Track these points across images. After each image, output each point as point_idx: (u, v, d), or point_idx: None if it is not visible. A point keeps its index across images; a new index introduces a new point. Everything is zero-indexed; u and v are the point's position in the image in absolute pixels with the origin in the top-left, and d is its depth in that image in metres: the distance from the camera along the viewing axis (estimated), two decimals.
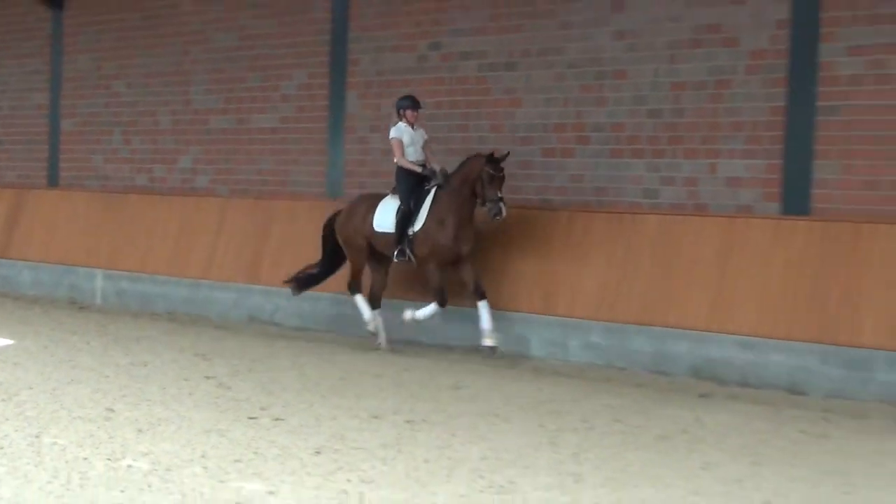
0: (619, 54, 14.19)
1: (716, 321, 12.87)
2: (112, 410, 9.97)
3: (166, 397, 10.71)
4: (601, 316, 13.60)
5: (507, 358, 13.88)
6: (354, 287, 14.83)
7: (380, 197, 14.71)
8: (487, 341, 13.59)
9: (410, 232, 14.02)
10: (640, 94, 14.00)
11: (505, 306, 14.28)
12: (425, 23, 16.05)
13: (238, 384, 11.62)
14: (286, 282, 15.54)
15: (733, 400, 11.76)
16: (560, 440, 9.40)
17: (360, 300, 14.76)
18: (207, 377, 11.97)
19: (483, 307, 13.61)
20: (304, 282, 15.39)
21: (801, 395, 12.04)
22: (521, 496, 7.57)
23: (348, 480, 7.83)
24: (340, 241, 15.03)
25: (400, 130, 14.35)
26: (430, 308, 13.81)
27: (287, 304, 16.66)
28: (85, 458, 8.21)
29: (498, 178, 13.47)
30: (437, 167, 14.22)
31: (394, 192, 14.46)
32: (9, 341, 14.18)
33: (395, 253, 14.14)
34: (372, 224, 14.48)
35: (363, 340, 15.06)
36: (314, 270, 15.36)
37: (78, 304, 19.24)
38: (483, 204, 13.57)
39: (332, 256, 15.25)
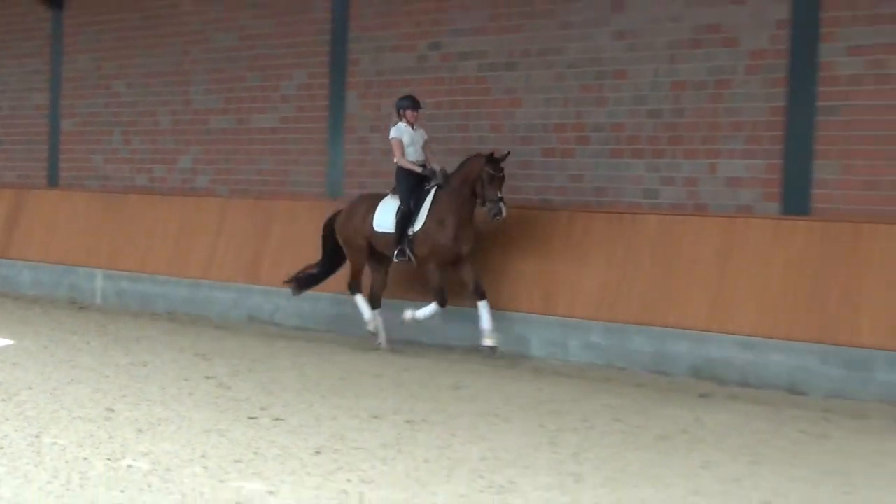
0: (619, 54, 14.20)
1: (716, 321, 12.87)
2: (112, 410, 9.97)
3: (166, 397, 10.72)
4: (601, 316, 13.60)
5: (507, 358, 13.89)
6: (354, 287, 14.82)
7: (380, 197, 14.69)
8: (487, 341, 13.57)
9: (410, 232, 13.99)
10: (640, 94, 14.01)
11: (505, 306, 14.28)
12: (425, 23, 16.06)
13: (238, 384, 11.62)
14: (286, 282, 15.52)
15: (733, 400, 11.76)
16: (560, 440, 9.40)
17: (361, 300, 14.74)
18: (207, 377, 11.97)
19: (483, 307, 13.60)
20: (304, 282, 15.37)
21: (801, 395, 12.04)
22: (521, 496, 7.57)
23: (348, 480, 7.83)
24: (340, 241, 15.01)
25: (400, 130, 14.32)
26: (430, 308, 13.79)
27: (287, 304, 16.66)
28: (85, 458, 8.22)
29: (498, 178, 13.45)
30: (436, 167, 14.20)
31: (394, 192, 14.43)
32: (9, 341, 14.18)
33: (395, 253, 14.11)
34: (372, 224, 14.45)
35: (363, 340, 15.06)
36: (314, 270, 15.34)
37: (78, 304, 19.24)
38: (483, 204, 13.55)
39: (332, 256, 15.23)
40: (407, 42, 16.24)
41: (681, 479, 8.23)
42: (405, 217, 14.05)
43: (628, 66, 14.12)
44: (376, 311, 14.71)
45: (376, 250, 14.64)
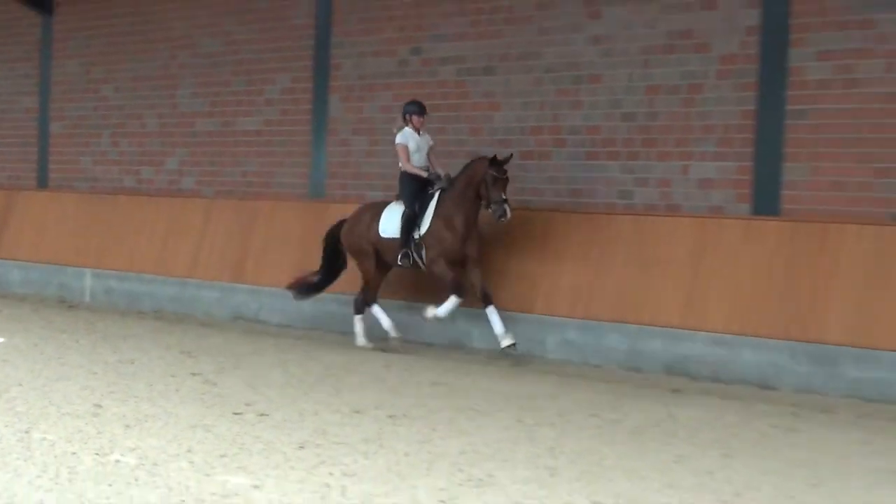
0: (594, 59, 14.22)
1: (688, 319, 12.90)
2: (100, 406, 9.94)
3: (153, 394, 10.69)
4: (577, 314, 13.61)
5: (486, 355, 13.90)
6: (370, 298, 14.48)
7: (384, 204, 14.45)
8: (505, 342, 13.32)
9: (416, 236, 13.78)
10: (615, 97, 14.03)
11: (479, 305, 14.29)
12: (406, 28, 16.06)
13: (223, 381, 11.59)
14: (289, 287, 15.29)
15: (705, 395, 11.78)
16: (537, 434, 9.40)
17: (379, 310, 14.39)
18: (193, 374, 11.94)
19: (492, 312, 13.40)
20: (305, 290, 15.15)
21: (770, 391, 12.09)
22: (499, 489, 7.57)
23: (331, 474, 7.82)
24: (347, 251, 14.75)
25: (406, 136, 14.10)
26: (451, 302, 13.39)
27: (271, 302, 16.66)
28: (73, 453, 8.19)
29: (502, 180, 13.28)
30: (441, 171, 14.01)
31: (397, 198, 14.21)
32: None
33: (399, 256, 13.88)
34: (378, 231, 14.19)
35: (345, 338, 15.05)
36: (314, 279, 15.09)
37: (67, 303, 19.18)
38: (488, 206, 13.39)
39: (332, 265, 14.98)
40: (388, 47, 16.25)
41: (655, 472, 8.24)
42: (409, 220, 13.84)
43: (603, 71, 14.14)
44: (360, 317, 14.57)
45: (381, 258, 14.40)
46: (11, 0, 20.90)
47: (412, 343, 14.45)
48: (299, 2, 17.32)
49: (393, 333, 14.26)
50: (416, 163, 14.05)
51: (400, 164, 14.11)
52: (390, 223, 14.07)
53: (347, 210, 16.19)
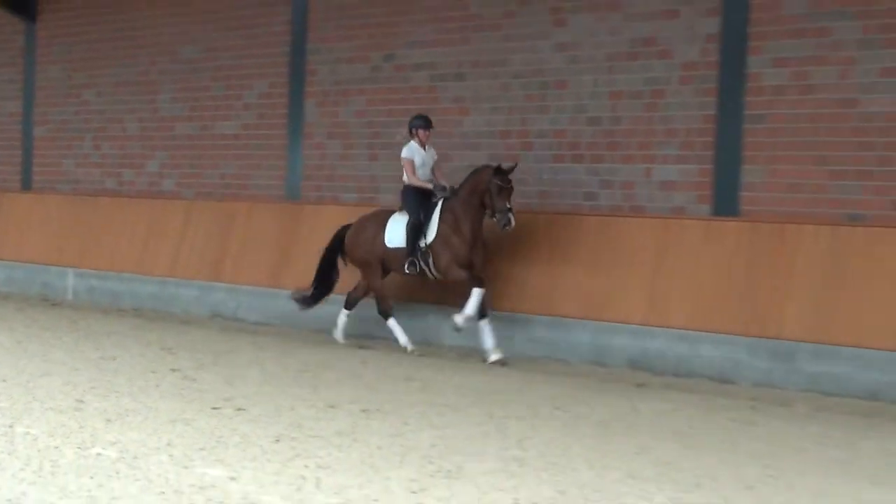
0: (560, 65, 14.24)
1: (651, 316, 12.94)
2: (82, 402, 9.89)
3: (134, 389, 10.64)
4: (544, 311, 13.63)
5: (457, 351, 13.91)
6: (384, 310, 14.19)
7: (386, 214, 14.15)
8: (494, 356, 13.11)
9: (422, 244, 13.53)
10: (581, 102, 14.06)
11: (455, 303, 14.30)
12: (379, 36, 16.05)
13: (202, 376, 11.56)
14: (293, 297, 14.99)
15: (667, 389, 11.82)
16: (506, 428, 9.41)
17: (394, 324, 14.08)
18: (173, 370, 11.90)
19: (485, 325, 13.21)
20: (304, 301, 14.82)
21: (730, 385, 12.13)
22: (468, 480, 7.57)
23: (306, 466, 7.81)
24: (351, 260, 14.45)
25: (412, 151, 13.84)
26: (475, 296, 12.96)
27: (249, 300, 16.64)
28: (56, 447, 8.15)
29: (506, 190, 13.02)
30: (445, 183, 13.73)
31: (401, 210, 13.93)
32: None
33: (406, 264, 13.61)
34: (384, 241, 13.92)
35: (321, 335, 15.04)
36: (309, 293, 14.74)
37: (50, 301, 19.11)
38: (492, 215, 13.13)
39: (326, 277, 14.68)
40: (362, 53, 16.24)
41: (618, 462, 8.25)
42: (415, 228, 13.55)
43: (569, 77, 14.16)
44: (347, 312, 14.49)
45: (386, 267, 14.17)
46: None
47: (384, 340, 14.46)
48: (276, 10, 17.29)
49: (410, 347, 13.88)
50: (420, 177, 13.81)
51: (404, 178, 13.87)
52: (396, 233, 13.79)
53: (322, 211, 16.24)
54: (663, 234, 13.16)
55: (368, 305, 14.46)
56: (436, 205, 13.60)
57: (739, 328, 12.31)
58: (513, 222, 12.96)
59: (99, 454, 7.99)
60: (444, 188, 13.63)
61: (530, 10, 14.52)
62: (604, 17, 13.89)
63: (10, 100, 21.42)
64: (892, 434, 9.82)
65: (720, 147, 12.98)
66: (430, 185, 13.73)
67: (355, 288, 14.55)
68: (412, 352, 13.83)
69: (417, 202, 13.69)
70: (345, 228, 14.59)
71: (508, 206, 12.99)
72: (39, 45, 20.93)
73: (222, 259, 17.27)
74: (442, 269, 13.45)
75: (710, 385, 12.13)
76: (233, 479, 7.42)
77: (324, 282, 14.70)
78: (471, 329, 13.47)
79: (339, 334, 14.49)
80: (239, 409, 9.80)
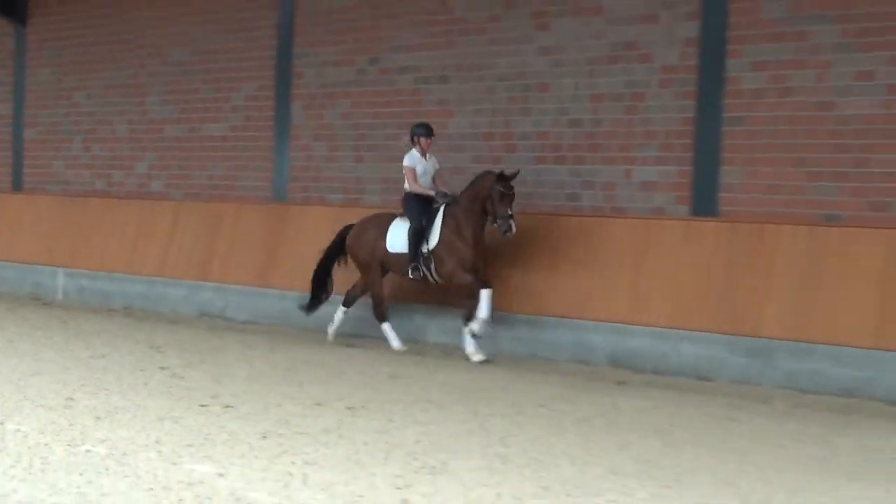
0: (543, 69, 14.24)
1: (632, 314, 12.95)
2: (72, 399, 9.87)
3: (123, 387, 10.62)
4: (527, 310, 13.62)
5: (442, 349, 13.91)
6: (380, 314, 14.06)
7: (388, 218, 13.98)
8: (476, 358, 13.05)
9: (425, 250, 13.37)
10: (563, 105, 14.06)
11: (436, 301, 14.32)
12: (365, 39, 16.03)
13: (190, 374, 11.53)
14: (300, 307, 14.77)
15: (648, 386, 11.83)
16: (490, 424, 9.40)
17: (388, 328, 13.99)
18: (162, 368, 11.88)
19: (468, 333, 13.21)
20: (309, 308, 14.61)
21: (709, 382, 12.15)
22: (452, 476, 7.57)
23: (293, 463, 7.80)
24: (351, 259, 14.27)
25: (414, 159, 13.67)
26: (485, 297, 12.80)
27: (237, 299, 16.61)
28: (46, 444, 8.13)
29: (508, 196, 12.88)
30: (446, 190, 13.60)
31: (402, 215, 13.76)
32: None
33: (409, 269, 13.45)
34: (385, 247, 13.75)
35: (308, 333, 15.02)
36: (306, 303, 14.56)
37: (41, 301, 19.05)
38: (493, 220, 12.99)
39: (325, 276, 14.49)
40: (348, 57, 16.22)
41: (600, 459, 8.26)
42: (418, 234, 13.40)
43: (552, 80, 14.17)
44: (344, 309, 14.36)
45: (386, 270, 14.05)
46: None
47: (371, 338, 14.43)
48: (264, 14, 17.26)
49: (402, 349, 13.83)
50: (422, 185, 13.66)
51: (406, 186, 13.70)
52: (398, 239, 13.62)
53: (308, 212, 16.24)
54: (644, 235, 13.17)
55: (364, 305, 14.41)
56: (437, 211, 13.44)
57: (718, 327, 12.33)
58: (514, 228, 12.82)
59: (88, 451, 7.97)
60: (445, 195, 13.50)
61: (514, 15, 14.52)
62: (586, 21, 13.89)
63: (1, 102, 21.34)
64: (868, 431, 9.84)
65: (699, 149, 13.00)
66: (431, 192, 13.59)
67: (354, 286, 14.43)
68: (398, 349, 13.82)
69: (419, 208, 13.52)
70: (347, 229, 14.44)
71: (510, 212, 12.84)
72: (30, 48, 20.87)
73: (210, 259, 17.23)
74: (446, 275, 13.30)
75: (689, 382, 12.14)
76: (220, 475, 7.41)
77: (322, 283, 14.53)
78: (459, 329, 13.48)
79: (332, 329, 14.41)
80: (227, 407, 9.78)
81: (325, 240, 15.27)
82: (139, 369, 11.74)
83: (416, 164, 13.69)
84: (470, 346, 13.15)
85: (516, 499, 7.06)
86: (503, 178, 12.95)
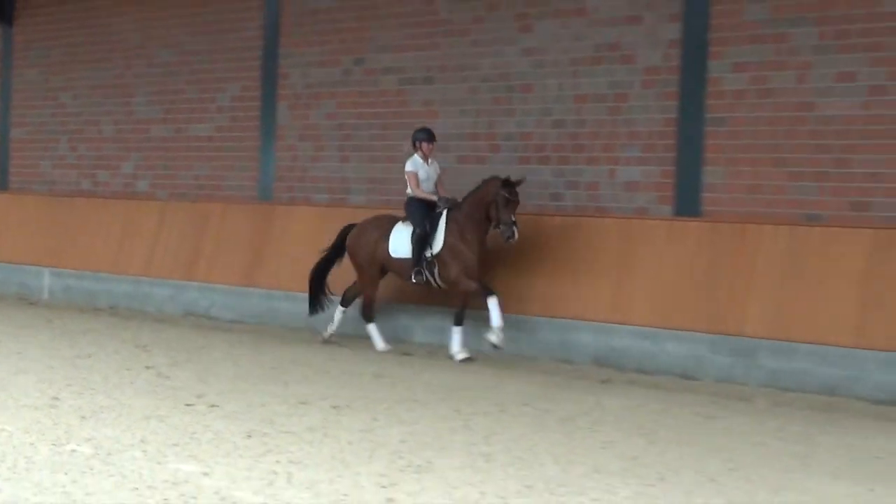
0: (527, 70, 14.22)
1: (616, 313, 12.93)
2: (57, 399, 9.80)
3: (108, 386, 10.56)
4: (512, 309, 13.56)
5: (427, 349, 13.87)
6: (368, 314, 13.97)
7: (390, 222, 13.81)
8: (460, 356, 13.01)
9: (428, 254, 13.23)
10: (546, 106, 14.03)
11: (424, 302, 14.28)
12: (350, 40, 15.99)
13: (176, 373, 11.48)
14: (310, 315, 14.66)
15: (631, 385, 11.81)
16: (474, 423, 9.37)
17: (374, 329, 13.89)
18: (147, 367, 11.82)
19: (457, 332, 13.14)
20: (312, 310, 14.48)
21: (692, 381, 12.14)
22: (437, 475, 7.54)
23: (277, 462, 7.76)
24: (350, 258, 14.11)
25: (416, 164, 13.53)
26: (493, 306, 12.67)
27: (222, 299, 16.55)
28: (31, 444, 8.07)
29: (513, 202, 12.77)
30: (448, 196, 13.46)
31: (404, 220, 13.59)
32: None
33: (413, 274, 13.31)
34: (388, 251, 13.57)
35: (294, 332, 14.98)
36: (309, 308, 14.44)
37: (27, 300, 18.97)
38: (496, 226, 12.88)
39: (323, 276, 14.32)
40: (333, 58, 16.17)
41: (584, 457, 8.23)
42: (422, 239, 13.26)
43: (535, 81, 14.14)
44: (343, 309, 14.18)
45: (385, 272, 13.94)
46: None
47: (354, 337, 14.39)
48: (249, 14, 17.20)
49: (385, 350, 13.72)
50: (425, 190, 13.52)
51: (408, 191, 13.56)
52: (400, 243, 13.45)
53: (293, 212, 16.21)
54: (627, 234, 13.15)
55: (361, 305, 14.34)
56: (440, 215, 13.31)
57: (701, 325, 12.31)
58: (516, 235, 12.71)
59: (73, 451, 7.91)
60: (447, 200, 13.36)
61: (497, 16, 14.49)
62: (569, 22, 13.87)
63: None
64: (849, 429, 9.84)
65: (682, 149, 12.98)
66: (434, 197, 13.45)
67: (352, 285, 14.26)
68: (382, 350, 13.75)
69: (422, 213, 13.36)
70: (348, 228, 14.26)
71: (513, 218, 12.72)
72: (16, 48, 20.77)
73: (196, 259, 17.16)
74: (450, 280, 13.16)
75: (673, 381, 12.13)
76: (205, 474, 7.36)
77: (319, 283, 14.36)
78: (443, 329, 13.46)
79: (331, 328, 14.21)
80: (212, 406, 9.73)
81: (311, 239, 15.27)
82: (125, 368, 11.69)
83: (419, 169, 13.53)
84: (455, 346, 13.13)
85: (500, 497, 7.02)
86: (508, 184, 12.82)
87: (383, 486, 7.19)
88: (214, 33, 17.67)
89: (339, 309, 14.24)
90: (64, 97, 19.97)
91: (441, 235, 13.19)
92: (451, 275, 13.12)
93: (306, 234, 15.85)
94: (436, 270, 13.23)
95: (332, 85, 16.17)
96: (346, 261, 14.25)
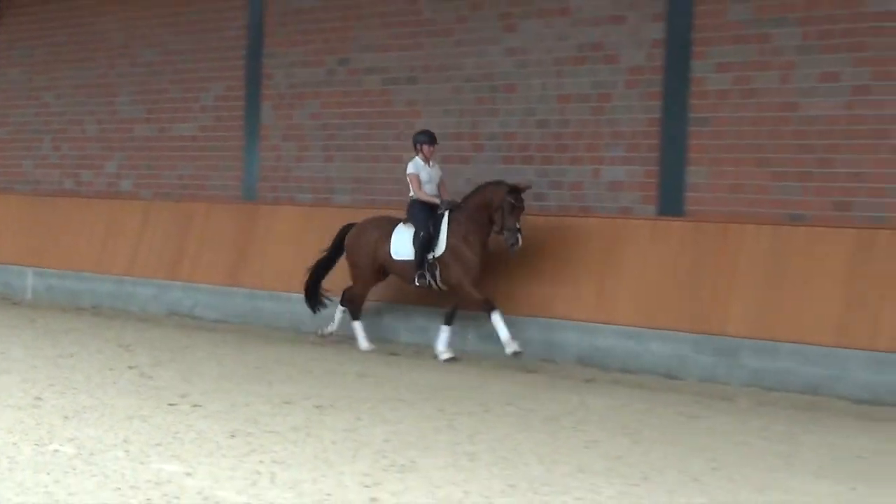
0: (510, 69, 14.20)
1: (600, 313, 12.92)
2: (40, 399, 9.75)
3: (91, 386, 10.51)
4: None
5: (412, 348, 13.86)
6: (355, 313, 13.92)
7: (390, 223, 13.66)
8: (444, 356, 13.01)
9: (430, 257, 13.11)
10: (530, 106, 14.02)
11: (409, 301, 14.27)
12: (334, 40, 15.96)
13: (159, 373, 11.44)
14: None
15: (615, 385, 11.81)
16: (458, 423, 9.35)
17: (359, 327, 13.85)
18: (130, 367, 11.77)
19: (444, 331, 13.15)
20: (312, 309, 14.38)
21: (676, 380, 12.14)
22: (421, 474, 7.51)
23: (261, 461, 7.72)
24: (347, 257, 14.00)
25: (417, 167, 13.40)
26: (498, 320, 12.60)
27: (206, 298, 16.50)
28: (14, 444, 8.02)
29: (518, 209, 12.69)
30: (450, 199, 13.34)
31: (405, 221, 13.45)
32: None
33: (416, 277, 13.18)
34: (389, 252, 13.45)
35: (277, 332, 14.95)
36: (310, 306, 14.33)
37: (10, 300, 18.88)
38: (500, 232, 12.79)
39: (321, 277, 14.24)
40: (317, 57, 16.14)
41: (567, 457, 8.22)
42: (426, 241, 13.11)
43: (519, 81, 14.13)
44: (342, 309, 14.04)
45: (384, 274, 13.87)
46: None
47: (340, 337, 14.36)
48: (233, 14, 17.17)
49: (369, 350, 13.71)
50: (427, 192, 13.41)
51: (411, 193, 13.42)
52: (402, 245, 13.33)
53: (278, 212, 16.19)
54: (611, 234, 13.15)
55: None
56: (442, 217, 13.20)
57: (685, 325, 12.32)
58: (520, 242, 12.63)
59: (56, 451, 7.87)
60: (449, 203, 13.24)
61: (481, 16, 14.48)
62: (552, 22, 13.86)
63: None
64: (832, 428, 9.85)
65: (665, 149, 12.98)
66: (436, 200, 13.32)
67: (351, 298, 14.08)
68: (365, 349, 13.72)
69: (425, 215, 13.26)
70: (347, 228, 14.13)
71: (518, 225, 12.66)
72: (0, 48, 20.68)
73: (180, 258, 17.11)
74: (452, 283, 13.08)
75: (656, 381, 12.13)
76: (188, 474, 7.33)
77: (316, 284, 14.24)
78: (427, 328, 13.43)
79: (331, 327, 14.14)
80: (195, 406, 9.70)
81: (295, 239, 15.28)
82: (108, 368, 11.64)
83: (420, 171, 13.40)
84: (441, 344, 13.12)
85: (484, 497, 7.00)
86: (515, 191, 12.73)
87: (367, 486, 7.16)
88: (198, 33, 17.63)
89: (339, 309, 14.15)
90: (47, 96, 19.90)
91: (443, 237, 13.11)
92: (452, 277, 13.05)
93: (290, 233, 15.83)
94: (437, 272, 13.15)
95: (316, 85, 16.14)
96: (343, 260, 14.18)
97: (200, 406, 9.68)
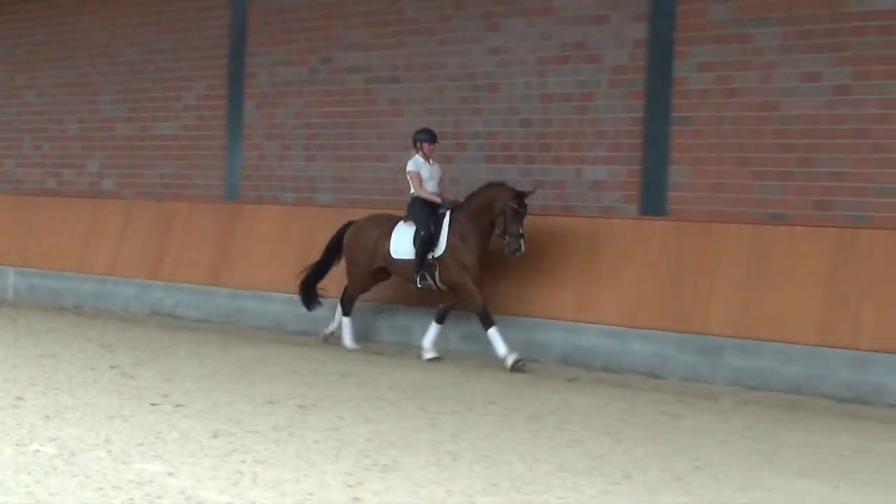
0: (493, 69, 14.20)
1: (582, 312, 12.93)
2: (21, 399, 9.71)
3: (73, 386, 10.47)
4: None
5: (396, 348, 13.84)
6: (347, 307, 13.86)
7: (390, 221, 13.56)
8: (428, 355, 12.99)
9: (430, 257, 13.00)
10: (513, 105, 14.02)
11: (391, 300, 14.25)
12: (316, 39, 15.94)
13: (141, 373, 11.40)
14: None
15: (598, 384, 11.81)
16: (440, 422, 9.35)
17: (347, 324, 13.81)
18: (112, 367, 11.73)
19: (434, 328, 13.13)
20: (307, 307, 14.31)
21: (658, 379, 12.15)
22: (403, 473, 7.50)
23: (243, 461, 7.70)
24: (345, 254, 13.90)
25: (418, 164, 13.30)
26: (496, 340, 12.51)
27: (188, 298, 16.46)
28: None
29: (521, 214, 12.57)
30: (451, 197, 13.28)
31: (406, 219, 13.36)
32: None
33: (418, 278, 13.07)
34: (389, 251, 13.32)
35: (260, 332, 14.91)
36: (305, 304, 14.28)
37: None
38: (502, 236, 12.65)
39: (320, 276, 14.16)
40: (300, 56, 16.12)
41: (550, 455, 8.22)
42: (427, 241, 13.00)
43: (502, 80, 14.13)
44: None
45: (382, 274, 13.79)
46: None
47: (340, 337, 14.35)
48: (215, 13, 17.13)
49: (354, 349, 13.70)
50: (428, 190, 13.32)
51: (412, 191, 13.32)
52: (402, 244, 13.23)
53: (260, 211, 16.15)
54: (593, 233, 13.16)
55: (362, 305, 14.25)
56: (443, 216, 13.11)
57: (667, 324, 12.33)
58: (523, 248, 12.53)
59: (37, 451, 7.84)
60: (451, 202, 13.15)
61: (464, 15, 14.48)
62: (535, 21, 13.87)
63: None
64: (815, 426, 9.87)
65: (648, 148, 13.00)
66: (438, 199, 13.23)
67: (343, 295, 14.01)
68: (330, 332, 13.90)
69: (427, 214, 13.17)
70: (346, 226, 14.02)
71: (521, 231, 12.56)
72: None
73: (161, 258, 17.07)
74: (451, 282, 13.00)
75: (639, 380, 12.14)
76: (171, 474, 7.30)
77: (313, 284, 14.15)
78: (411, 328, 13.41)
79: (332, 327, 14.07)
80: (177, 405, 9.67)
81: (278, 238, 15.26)
82: (89, 368, 11.60)
83: (421, 169, 13.31)
84: (427, 342, 13.12)
85: (466, 496, 7.00)
86: (519, 196, 12.62)
87: (349, 485, 7.15)
88: (180, 32, 17.59)
89: (340, 309, 14.10)
90: (28, 95, 19.83)
91: (444, 237, 13.04)
92: (452, 276, 12.98)
93: (273, 233, 15.81)
94: (437, 272, 13.09)
95: (298, 84, 16.12)
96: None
97: (183, 406, 9.65)
